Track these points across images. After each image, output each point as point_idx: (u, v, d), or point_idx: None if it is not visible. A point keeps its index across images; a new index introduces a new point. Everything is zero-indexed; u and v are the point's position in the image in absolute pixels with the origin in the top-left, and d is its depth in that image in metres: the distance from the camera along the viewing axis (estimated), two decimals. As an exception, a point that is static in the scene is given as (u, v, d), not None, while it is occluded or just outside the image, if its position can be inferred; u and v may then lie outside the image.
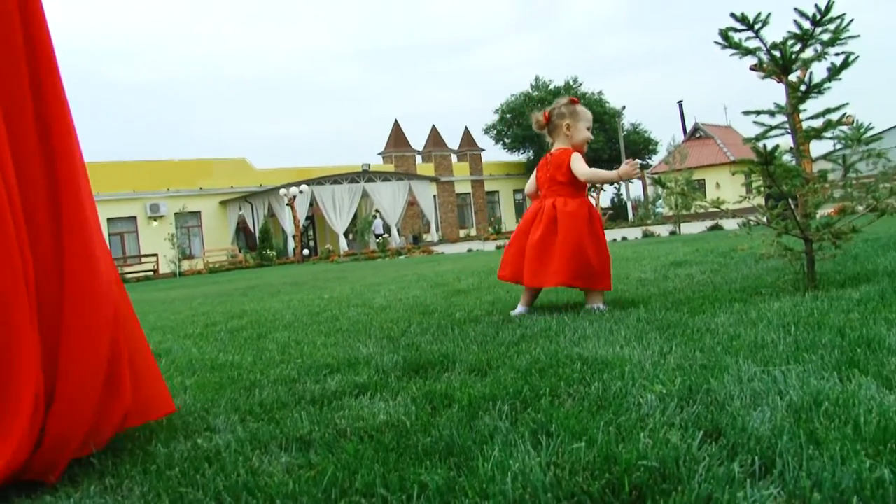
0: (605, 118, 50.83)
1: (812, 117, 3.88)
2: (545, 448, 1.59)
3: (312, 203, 36.71)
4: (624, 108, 47.91)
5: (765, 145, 3.36)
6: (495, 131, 53.31)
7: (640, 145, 53.32)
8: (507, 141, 52.88)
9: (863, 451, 1.38)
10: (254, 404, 2.42)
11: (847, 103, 3.77)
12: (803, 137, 3.82)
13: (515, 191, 53.11)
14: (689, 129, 48.27)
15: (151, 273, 31.95)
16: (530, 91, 52.50)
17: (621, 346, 2.69)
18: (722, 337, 2.66)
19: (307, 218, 38.71)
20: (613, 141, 48.95)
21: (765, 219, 3.96)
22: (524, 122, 50.27)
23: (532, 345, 2.98)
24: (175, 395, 2.75)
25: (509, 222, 49.28)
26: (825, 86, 3.74)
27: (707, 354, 2.38)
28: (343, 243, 36.40)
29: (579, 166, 4.15)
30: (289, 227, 34.72)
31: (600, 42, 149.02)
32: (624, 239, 19.36)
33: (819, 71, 3.94)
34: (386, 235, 36.08)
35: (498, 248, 23.37)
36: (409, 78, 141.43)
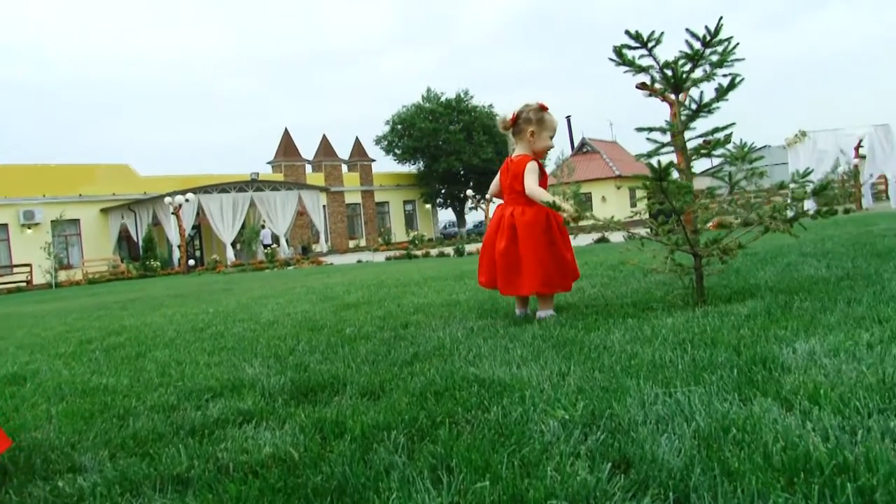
0: (494, 131, 51.42)
1: (701, 136, 3.93)
2: (446, 487, 1.47)
3: (199, 212, 35.72)
4: (513, 121, 48.45)
5: (659, 161, 3.37)
6: (386, 142, 53.14)
7: (529, 158, 54.10)
8: (397, 152, 52.80)
9: (777, 484, 1.32)
10: (127, 436, 2.20)
11: (734, 123, 3.85)
12: (693, 155, 3.87)
13: (405, 201, 53.18)
14: (576, 143, 49.55)
15: (24, 284, 30.17)
16: (422, 102, 52.64)
17: (518, 366, 2.61)
18: (620, 356, 2.62)
19: (193, 227, 37.68)
20: (503, 154, 49.55)
21: (654, 234, 3.98)
22: (415, 133, 50.45)
23: (426, 365, 2.87)
24: (38, 425, 2.50)
25: (399, 233, 49.28)
26: (714, 105, 3.79)
27: (607, 375, 2.32)
28: (230, 253, 35.50)
29: (528, 180, 4.17)
30: (174, 237, 33.55)
31: (490, 58, 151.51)
32: (513, 251, 19.58)
33: (707, 92, 4.01)
34: (274, 246, 35.39)
35: (388, 259, 23.26)
36: (301, 88, 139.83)
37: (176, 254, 33.50)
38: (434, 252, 23.98)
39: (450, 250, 22.71)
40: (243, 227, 37.25)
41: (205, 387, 2.82)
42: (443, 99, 52.62)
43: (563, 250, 4.20)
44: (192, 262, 32.61)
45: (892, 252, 5.67)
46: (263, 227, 38.04)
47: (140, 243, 34.27)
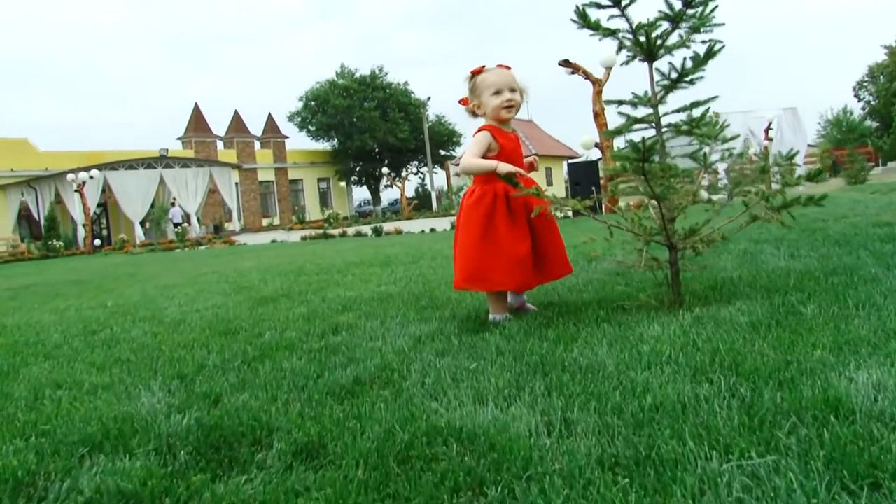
0: (410, 108, 50.76)
1: (679, 110, 3.42)
2: None
3: (105, 189, 34.08)
4: (429, 99, 48.03)
5: (643, 139, 2.83)
6: (300, 119, 51.75)
7: (445, 136, 53.75)
8: (311, 128, 51.49)
9: None
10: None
11: (717, 96, 3.35)
12: (674, 132, 3.35)
13: (320, 179, 52.04)
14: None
15: (-88, 266, 27.98)
16: (336, 79, 51.39)
17: (499, 404, 2.03)
18: (624, 386, 2.06)
19: (99, 205, 36.16)
20: (418, 131, 48.98)
21: (626, 222, 3.46)
22: (329, 110, 49.26)
23: (373, 397, 2.26)
24: None
25: (314, 211, 48.17)
26: (696, 75, 3.28)
27: (628, 424, 1.74)
28: (139, 232, 33.95)
29: (467, 153, 3.59)
30: (78, 216, 31.76)
31: (405, 35, 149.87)
32: (432, 230, 19.01)
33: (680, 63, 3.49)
34: (185, 225, 33.94)
35: (304, 238, 22.40)
36: (211, 62, 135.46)
37: (81, 233, 31.75)
38: (351, 231, 23.23)
39: (367, 229, 21.97)
40: (153, 205, 35.67)
41: (82, 434, 2.13)
42: (357, 76, 51.54)
43: (512, 241, 3.50)
44: (97, 241, 30.94)
45: (850, 240, 5.33)
46: (174, 205, 36.54)
47: (42, 222, 32.29)
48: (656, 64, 3.45)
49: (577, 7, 3.45)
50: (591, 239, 3.71)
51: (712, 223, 3.51)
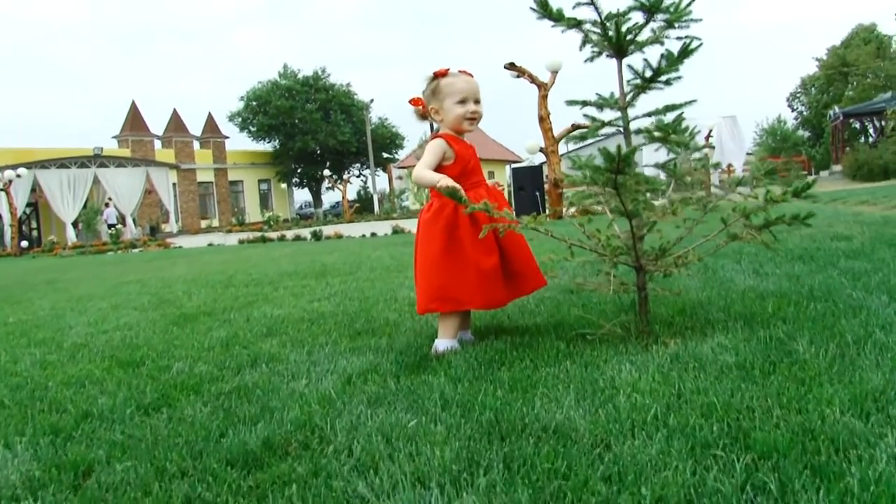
0: (352, 110, 50.04)
1: (649, 114, 3.01)
2: None
3: (35, 188, 32.59)
4: (372, 101, 47.35)
5: (619, 147, 2.39)
6: (240, 119, 50.56)
7: (388, 139, 53.18)
8: (252, 129, 50.34)
9: None
10: None
11: (695, 100, 2.94)
12: (646, 139, 2.94)
13: (260, 180, 50.96)
14: (435, 126, 48.71)
15: None
16: (278, 79, 50.38)
17: (445, 490, 1.56)
18: (610, 469, 1.60)
19: (30, 205, 34.69)
20: (361, 133, 48.31)
21: (588, 240, 3.03)
22: (270, 111, 48.25)
23: (285, 473, 1.77)
24: None
25: (254, 213, 47.10)
26: (672, 74, 2.87)
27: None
28: (71, 233, 32.62)
29: (420, 162, 3.17)
30: (5, 216, 30.31)
31: (348, 35, 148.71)
32: (373, 235, 18.48)
33: (653, 59, 3.08)
34: (119, 226, 32.72)
35: (241, 241, 21.64)
36: (151, 59, 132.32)
37: (8, 234, 30.31)
38: (290, 234, 22.54)
39: (307, 233, 21.30)
40: (86, 206, 34.38)
41: None
42: (300, 76, 50.61)
43: (478, 254, 3.11)
44: (24, 243, 29.57)
45: (813, 255, 5.01)
46: (108, 205, 35.24)
47: (-35, 222, 30.84)
48: (625, 62, 3.04)
49: (535, -5, 3.02)
50: (550, 258, 3.27)
51: (685, 241, 3.10)
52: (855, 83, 58.12)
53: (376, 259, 8.78)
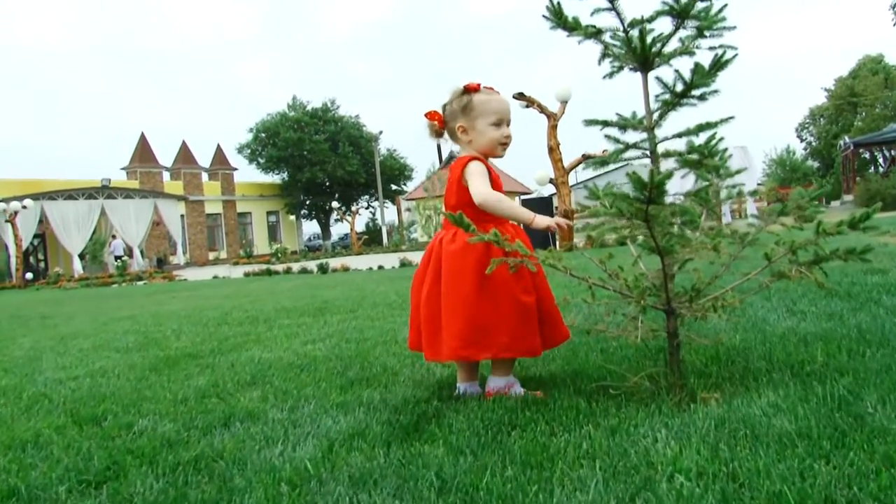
0: (361, 142, 49.94)
1: (679, 135, 2.62)
2: None
3: (42, 220, 32.41)
4: (381, 132, 47.08)
5: (652, 171, 2.00)
6: (249, 150, 50.54)
7: (397, 171, 53.04)
8: (261, 161, 50.29)
9: None
10: None
11: (732, 117, 2.56)
12: (679, 163, 2.55)
13: (269, 212, 50.81)
14: (444, 156, 48.61)
15: None
16: (287, 111, 50.41)
17: None
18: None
19: (36, 236, 34.49)
20: (369, 165, 48.17)
21: (609, 278, 2.63)
22: (279, 143, 48.20)
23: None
24: None
25: (262, 245, 46.89)
26: (709, 88, 2.49)
27: None
28: (78, 265, 32.38)
29: (476, 183, 2.74)
30: (11, 247, 30.14)
31: (355, 67, 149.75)
32: (380, 268, 18.09)
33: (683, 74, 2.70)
34: (125, 258, 32.48)
35: (246, 274, 21.28)
36: (160, 91, 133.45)
37: (14, 265, 30.10)
38: (296, 267, 22.16)
39: (313, 265, 20.93)
40: (94, 237, 34.21)
41: None
42: (308, 108, 50.65)
43: (518, 291, 2.74)
44: (29, 275, 29.29)
45: (850, 291, 4.60)
46: (115, 237, 35.05)
47: (-28, 254, 30.68)
48: (651, 76, 2.66)
49: (550, 4, 2.66)
50: (566, 299, 2.88)
51: (721, 279, 2.70)
52: (863, 113, 57.91)
53: (380, 295, 8.39)
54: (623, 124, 2.66)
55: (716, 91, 2.50)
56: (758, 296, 4.78)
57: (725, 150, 2.60)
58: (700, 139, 2.68)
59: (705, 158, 2.46)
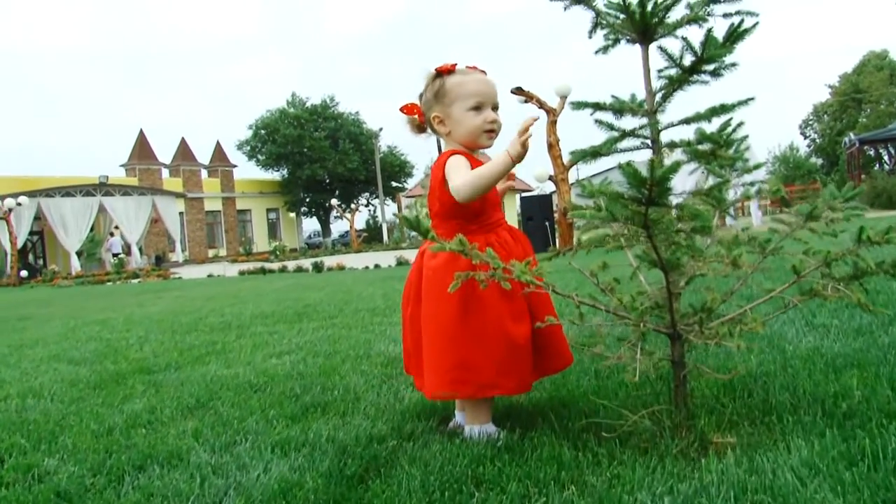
0: (361, 139, 49.41)
1: (686, 120, 2.15)
2: None
3: (39, 217, 32.04)
4: (381, 129, 46.57)
5: (652, 162, 1.53)
6: (249, 147, 50.05)
7: (397, 167, 52.51)
8: (260, 158, 49.79)
9: None
10: None
11: (752, 98, 2.08)
12: (688, 155, 2.08)
13: (269, 209, 50.34)
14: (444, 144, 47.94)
15: None
16: (286, 107, 49.90)
17: None
18: None
19: (34, 233, 34.40)
20: (370, 163, 47.67)
21: (607, 300, 2.16)
22: (279, 139, 47.72)
23: None
24: None
25: (261, 242, 46.45)
26: (725, 61, 2.02)
27: None
28: (76, 263, 31.98)
29: (454, 177, 2.24)
30: (6, 245, 29.74)
31: (355, 64, 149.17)
32: (377, 267, 17.62)
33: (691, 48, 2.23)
34: (122, 256, 32.05)
35: (241, 273, 20.83)
36: (159, 87, 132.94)
37: (9, 263, 29.71)
38: (292, 265, 21.71)
39: (309, 264, 20.46)
40: (92, 234, 33.83)
41: None
42: (308, 105, 50.14)
43: (505, 320, 2.27)
44: (24, 273, 28.82)
45: (875, 301, 4.12)
46: (113, 234, 34.65)
47: (-32, 252, 30.24)
48: (652, 48, 2.19)
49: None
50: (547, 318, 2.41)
51: (736, 296, 2.24)
52: (868, 110, 57.32)
53: (367, 297, 7.93)
54: (619, 107, 2.19)
55: (733, 65, 2.02)
56: (771, 306, 4.31)
57: (745, 137, 2.13)
58: (713, 126, 2.21)
59: (719, 149, 1.98)
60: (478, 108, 2.35)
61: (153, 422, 2.90)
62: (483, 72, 2.40)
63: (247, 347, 4.79)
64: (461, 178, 2.18)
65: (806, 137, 64.37)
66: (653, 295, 2.12)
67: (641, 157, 2.21)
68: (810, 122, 63.80)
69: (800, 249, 2.18)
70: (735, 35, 2.10)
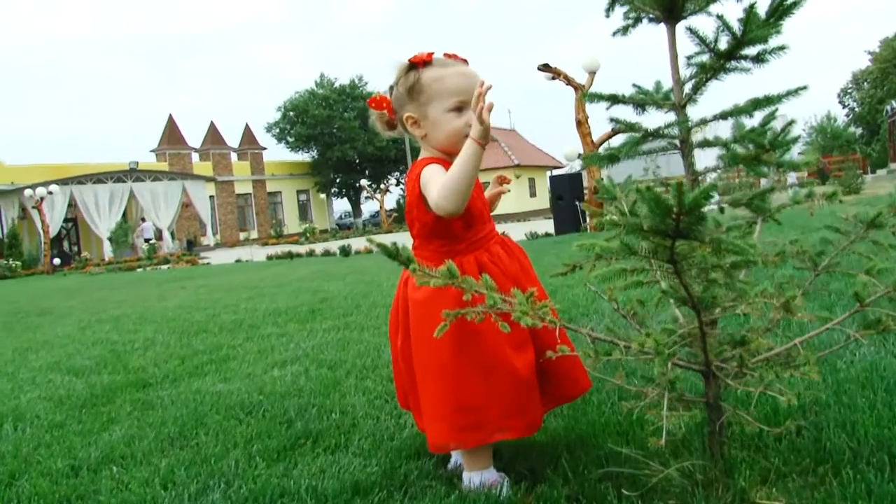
0: (391, 117, 49.00)
1: (725, 115, 1.78)
2: None
3: (72, 204, 32.34)
4: (410, 107, 45.99)
5: (679, 185, 1.17)
6: (278, 129, 49.98)
7: (426, 146, 52.05)
8: (290, 140, 49.72)
9: None
10: None
11: (805, 86, 1.70)
12: (726, 160, 1.71)
13: (299, 191, 50.32)
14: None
15: None
16: (315, 88, 49.65)
17: None
18: None
19: (68, 220, 34.79)
20: (399, 141, 47.35)
21: (629, 330, 1.81)
22: (308, 120, 47.57)
23: None
24: None
25: (292, 224, 46.44)
26: (772, 43, 1.64)
27: None
28: (109, 249, 32.21)
29: (432, 190, 1.88)
30: (40, 233, 29.99)
31: (380, 44, 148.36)
32: (405, 248, 17.27)
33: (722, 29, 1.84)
34: (153, 241, 32.20)
35: (269, 257, 20.71)
36: (187, 72, 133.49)
37: (42, 251, 29.94)
38: (319, 249, 21.53)
39: (336, 248, 20.20)
40: (124, 220, 34.01)
41: None
42: (336, 85, 49.84)
43: (505, 352, 1.94)
44: (56, 260, 28.98)
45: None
46: (144, 220, 34.81)
47: (3, 239, 30.43)
48: (680, 28, 1.82)
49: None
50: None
51: (781, 325, 1.87)
52: (912, 76, 55.54)
53: (388, 288, 7.61)
54: (641, 101, 1.82)
55: (781, 48, 1.65)
56: (823, 334, 3.90)
57: (797, 139, 1.75)
58: (754, 120, 1.84)
59: (765, 152, 1.61)
60: (459, 108, 1.97)
61: (126, 458, 2.61)
62: (465, 61, 2.02)
63: (252, 354, 4.51)
64: (439, 189, 1.82)
65: (845, 106, 62.66)
66: (683, 325, 1.77)
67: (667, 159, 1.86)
68: (849, 91, 62.04)
69: (860, 267, 1.81)
70: (782, 9, 1.72)
